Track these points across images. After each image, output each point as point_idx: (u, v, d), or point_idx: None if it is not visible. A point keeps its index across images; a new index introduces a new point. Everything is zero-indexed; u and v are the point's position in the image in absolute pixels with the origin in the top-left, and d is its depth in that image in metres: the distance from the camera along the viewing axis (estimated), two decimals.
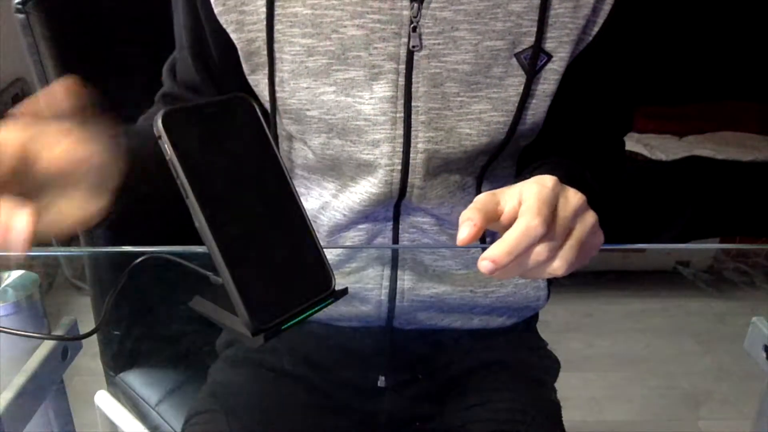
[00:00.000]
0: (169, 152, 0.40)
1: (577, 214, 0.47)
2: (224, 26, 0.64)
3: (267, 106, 0.68)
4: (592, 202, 0.51)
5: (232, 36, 0.64)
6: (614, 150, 0.79)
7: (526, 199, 0.46)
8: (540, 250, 0.46)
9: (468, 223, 0.45)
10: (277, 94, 0.66)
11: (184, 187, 0.40)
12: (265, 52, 0.64)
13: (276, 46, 0.63)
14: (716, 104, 2.41)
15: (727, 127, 2.32)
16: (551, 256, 0.46)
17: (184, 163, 0.40)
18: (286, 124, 0.68)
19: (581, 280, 2.11)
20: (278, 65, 0.64)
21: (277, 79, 0.65)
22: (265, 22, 0.62)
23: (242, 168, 0.43)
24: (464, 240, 0.45)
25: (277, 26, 0.63)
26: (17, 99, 2.05)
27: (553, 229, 0.46)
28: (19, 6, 0.79)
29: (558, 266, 0.47)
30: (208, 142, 0.42)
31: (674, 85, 2.37)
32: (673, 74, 2.32)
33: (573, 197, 0.48)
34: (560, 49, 0.64)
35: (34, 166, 0.41)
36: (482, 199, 0.47)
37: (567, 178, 0.55)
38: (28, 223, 0.37)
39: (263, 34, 0.63)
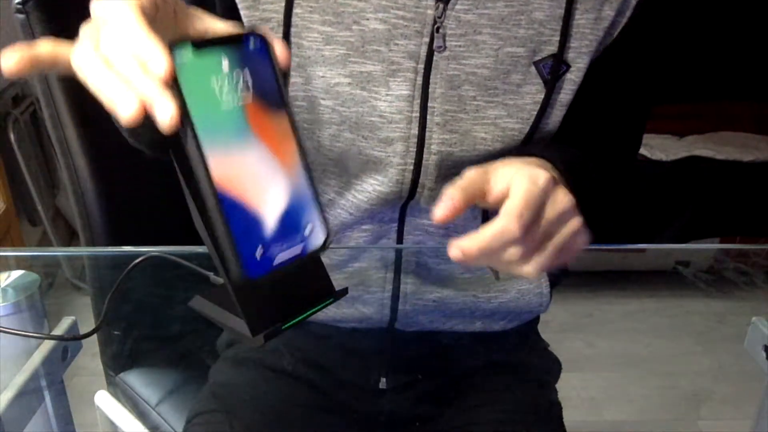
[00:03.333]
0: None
1: (562, 219, 0.47)
2: (237, 1, 0.62)
3: None
4: (588, 196, 0.51)
5: (244, 12, 0.62)
6: (624, 160, 0.78)
7: (513, 195, 0.46)
8: (514, 252, 0.46)
9: (447, 201, 0.45)
10: (293, 80, 0.64)
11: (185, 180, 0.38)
12: (280, 35, 0.62)
13: (293, 30, 0.62)
14: (716, 104, 2.41)
15: (727, 127, 2.32)
16: (524, 260, 0.46)
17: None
18: (296, 113, 0.67)
19: (581, 280, 2.11)
20: (294, 50, 0.63)
21: (294, 64, 0.64)
22: (283, 3, 0.61)
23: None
24: (439, 218, 0.45)
25: (296, 10, 0.62)
26: (17, 99, 2.05)
27: (532, 233, 0.46)
28: (19, 6, 0.79)
29: (528, 271, 0.47)
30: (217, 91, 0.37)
31: (674, 84, 2.36)
32: (673, 74, 2.32)
33: (561, 200, 0.48)
34: (579, 60, 0.64)
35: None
36: (472, 177, 0.47)
37: (567, 166, 0.55)
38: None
39: (279, 16, 0.62)
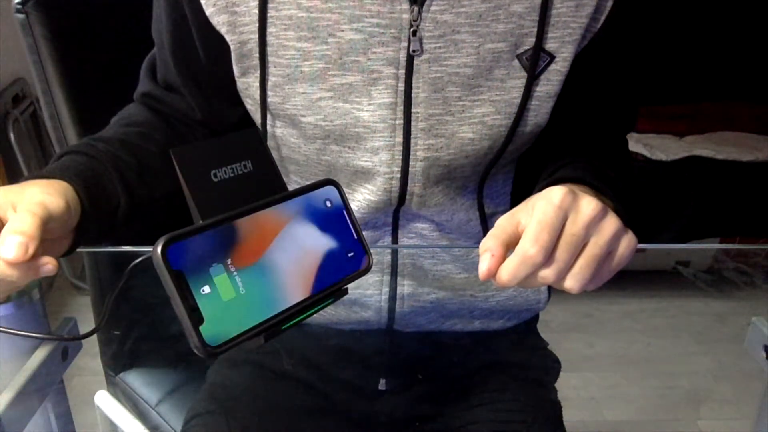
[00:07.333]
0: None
1: (590, 227, 0.45)
2: (217, 27, 0.62)
3: (254, 108, 0.67)
4: (618, 201, 0.50)
5: (227, 37, 0.63)
6: (618, 150, 0.78)
7: (529, 221, 0.45)
8: (545, 275, 0.45)
9: (487, 255, 0.45)
10: (270, 99, 0.64)
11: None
12: (257, 55, 0.62)
13: (269, 49, 0.62)
14: (716, 104, 2.40)
15: (727, 127, 2.32)
16: (559, 279, 0.45)
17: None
18: (279, 127, 0.67)
19: None
20: (271, 69, 0.63)
21: (270, 83, 0.63)
22: (257, 24, 0.61)
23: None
24: (485, 274, 0.45)
25: (270, 29, 0.61)
26: (17, 99, 2.05)
27: (558, 251, 0.44)
28: (19, 6, 0.79)
29: (570, 286, 0.45)
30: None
31: (674, 85, 2.36)
32: (673, 74, 2.32)
33: (586, 208, 0.45)
34: (563, 50, 0.63)
35: None
36: (501, 223, 0.46)
37: (593, 177, 0.54)
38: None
39: (256, 36, 0.61)
